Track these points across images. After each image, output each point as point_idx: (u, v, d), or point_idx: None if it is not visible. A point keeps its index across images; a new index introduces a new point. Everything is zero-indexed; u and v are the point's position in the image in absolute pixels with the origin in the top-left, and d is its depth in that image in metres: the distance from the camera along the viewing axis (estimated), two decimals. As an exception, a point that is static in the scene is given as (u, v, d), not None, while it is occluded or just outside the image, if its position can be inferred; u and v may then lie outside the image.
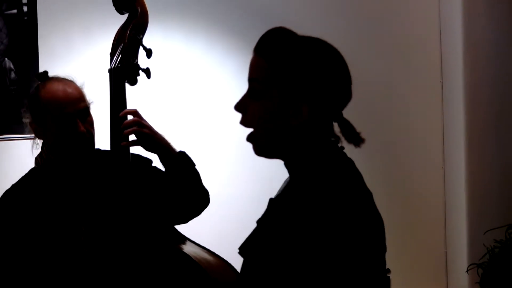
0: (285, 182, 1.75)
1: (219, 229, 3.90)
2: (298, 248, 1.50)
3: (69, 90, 2.28)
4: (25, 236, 2.24)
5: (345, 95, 1.64)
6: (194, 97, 3.99)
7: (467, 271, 3.75)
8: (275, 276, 1.52)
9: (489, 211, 3.84)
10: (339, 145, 1.67)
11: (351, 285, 1.53)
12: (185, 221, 2.36)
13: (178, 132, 3.97)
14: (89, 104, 2.32)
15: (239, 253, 1.65)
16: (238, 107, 1.68)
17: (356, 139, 1.66)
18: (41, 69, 3.86)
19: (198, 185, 2.34)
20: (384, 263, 1.66)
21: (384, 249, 1.66)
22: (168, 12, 3.89)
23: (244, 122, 1.67)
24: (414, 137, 4.05)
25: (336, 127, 1.68)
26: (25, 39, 3.86)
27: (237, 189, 3.98)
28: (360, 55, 4.01)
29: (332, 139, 1.66)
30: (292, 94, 1.59)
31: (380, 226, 1.65)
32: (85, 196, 2.29)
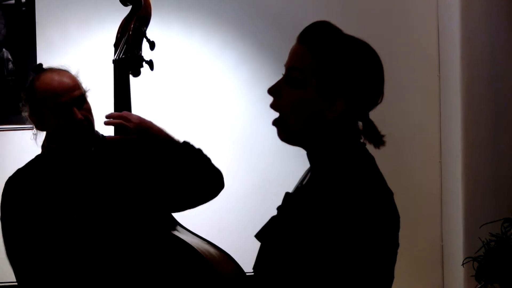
0: (305, 172, 1.76)
1: (217, 222, 3.90)
2: (315, 239, 1.51)
3: (63, 79, 2.29)
4: (26, 218, 2.26)
5: (379, 97, 1.67)
6: (192, 89, 3.99)
7: (462, 264, 3.77)
8: (290, 262, 1.54)
9: (485, 205, 3.85)
10: (361, 140, 1.69)
11: (361, 277, 1.55)
12: (200, 203, 2.38)
13: (175, 125, 3.97)
14: (85, 91, 2.33)
15: (256, 237, 1.66)
16: (272, 90, 1.66)
17: (377, 141, 1.69)
18: (38, 60, 3.85)
19: (207, 171, 2.35)
20: (395, 259, 1.68)
21: (396, 245, 1.67)
22: (165, 4, 3.88)
23: (275, 106, 1.66)
24: (411, 131, 4.06)
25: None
26: (22, 29, 3.86)
27: (234, 183, 3.98)
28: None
29: (357, 136, 1.68)
30: (331, 87, 1.60)
31: (395, 223, 1.66)
32: (84, 184, 2.30)
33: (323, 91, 1.60)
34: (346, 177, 1.59)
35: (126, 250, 2.19)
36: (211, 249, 2.32)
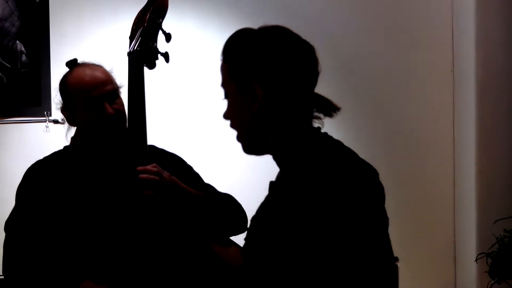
0: (277, 176, 1.76)
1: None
2: (294, 234, 1.52)
3: (96, 73, 2.28)
4: (44, 206, 2.24)
5: (304, 76, 1.66)
6: (206, 82, 3.98)
7: (476, 260, 3.75)
8: (272, 263, 1.54)
9: (499, 201, 3.83)
10: (318, 126, 1.70)
11: (355, 265, 1.55)
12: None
13: (190, 117, 3.96)
14: (118, 87, 2.32)
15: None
16: (224, 115, 1.75)
17: (330, 108, 1.69)
18: (52, 52, 3.85)
19: (234, 213, 2.36)
20: (387, 235, 1.68)
21: (386, 221, 1.67)
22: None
23: (230, 125, 1.75)
24: (424, 126, 4.05)
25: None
26: (36, 21, 3.86)
27: (245, 174, 3.98)
28: (371, 45, 4.00)
29: (315, 125, 1.69)
30: (244, 78, 1.65)
31: (378, 198, 1.66)
32: (110, 177, 2.29)
33: (241, 87, 1.65)
34: (310, 171, 1.59)
35: (139, 241, 2.18)
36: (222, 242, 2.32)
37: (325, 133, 1.69)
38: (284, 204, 1.55)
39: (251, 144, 1.71)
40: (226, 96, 1.71)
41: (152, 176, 2.13)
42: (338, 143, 1.68)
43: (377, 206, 1.65)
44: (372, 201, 1.63)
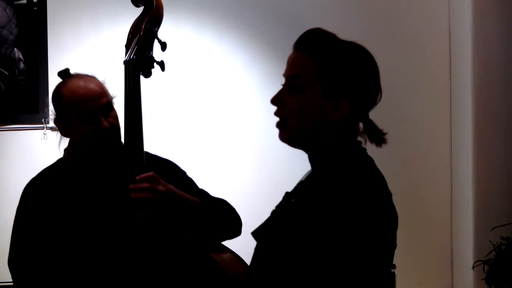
0: (305, 174, 1.78)
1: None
2: (311, 238, 1.53)
3: (90, 86, 2.26)
4: (42, 223, 2.24)
5: (378, 95, 1.72)
6: (203, 90, 3.98)
7: (473, 267, 3.75)
8: (285, 261, 1.55)
9: (495, 208, 3.84)
10: (362, 145, 1.73)
11: (357, 277, 1.56)
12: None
13: (186, 125, 3.97)
14: (111, 98, 2.31)
15: (253, 235, 1.69)
16: (275, 100, 1.70)
17: (379, 139, 1.72)
18: (49, 60, 3.86)
19: (229, 218, 2.34)
20: (392, 259, 1.70)
21: (394, 245, 1.69)
22: (177, 4, 3.88)
23: (281, 113, 1.70)
24: (422, 133, 4.05)
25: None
26: (34, 29, 3.87)
27: (243, 183, 3.98)
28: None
29: (358, 138, 1.72)
30: (335, 89, 1.65)
31: (393, 224, 1.68)
32: (106, 192, 2.28)
33: (328, 93, 1.65)
34: (345, 179, 1.61)
35: (138, 254, 2.17)
36: (221, 251, 2.32)
37: (364, 149, 1.72)
38: (312, 206, 1.57)
39: (296, 138, 1.70)
40: (295, 90, 1.67)
41: (145, 194, 2.05)
42: (371, 160, 1.71)
43: (390, 230, 1.67)
44: (387, 225, 1.65)
